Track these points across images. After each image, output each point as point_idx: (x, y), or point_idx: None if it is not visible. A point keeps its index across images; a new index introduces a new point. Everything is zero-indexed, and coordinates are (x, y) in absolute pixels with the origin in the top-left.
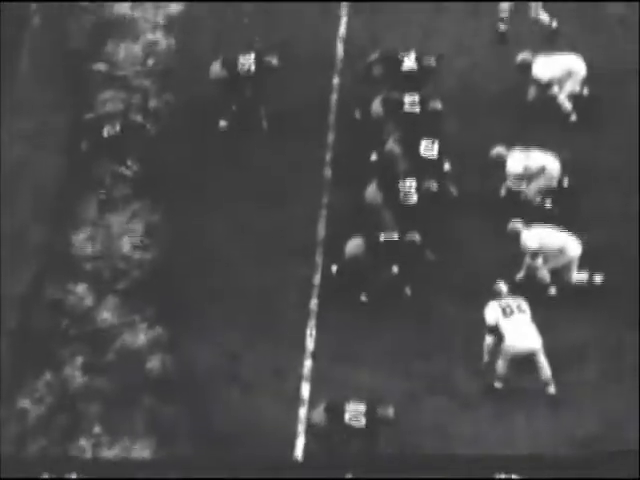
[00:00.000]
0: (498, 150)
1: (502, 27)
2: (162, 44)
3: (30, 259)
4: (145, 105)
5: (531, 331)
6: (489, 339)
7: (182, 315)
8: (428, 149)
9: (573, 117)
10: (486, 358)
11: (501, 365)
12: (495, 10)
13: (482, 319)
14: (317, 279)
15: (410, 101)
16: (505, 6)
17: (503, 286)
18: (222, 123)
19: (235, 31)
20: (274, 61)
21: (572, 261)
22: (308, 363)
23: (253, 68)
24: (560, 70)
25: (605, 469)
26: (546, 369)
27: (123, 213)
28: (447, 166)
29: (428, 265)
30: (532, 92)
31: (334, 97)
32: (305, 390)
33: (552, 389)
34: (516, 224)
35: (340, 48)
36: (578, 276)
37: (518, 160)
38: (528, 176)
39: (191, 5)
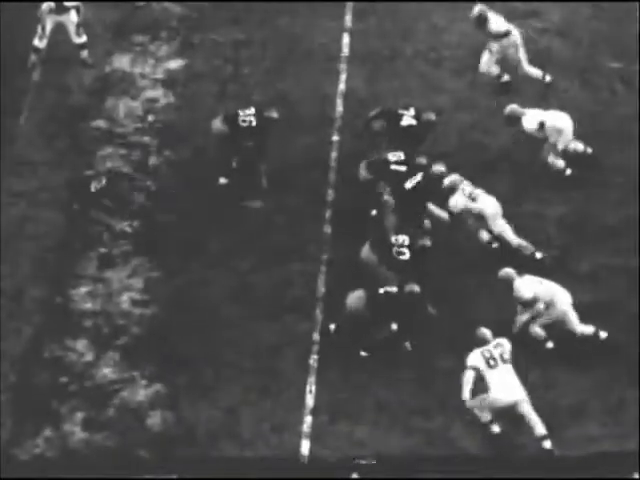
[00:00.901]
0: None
1: (505, 77)
2: (162, 100)
3: (29, 315)
4: (145, 162)
5: (514, 382)
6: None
7: (181, 372)
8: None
9: (568, 172)
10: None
11: (484, 415)
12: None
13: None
14: (316, 335)
15: (395, 159)
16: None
17: (486, 331)
18: (222, 180)
19: (235, 85)
20: (274, 115)
21: (565, 313)
22: (308, 419)
23: (254, 122)
24: (549, 126)
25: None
26: (535, 420)
27: (123, 269)
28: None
29: (428, 318)
30: (548, 157)
31: (334, 154)
32: (305, 447)
33: (548, 444)
34: (508, 271)
35: (340, 104)
36: (584, 328)
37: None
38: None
39: (191, 60)
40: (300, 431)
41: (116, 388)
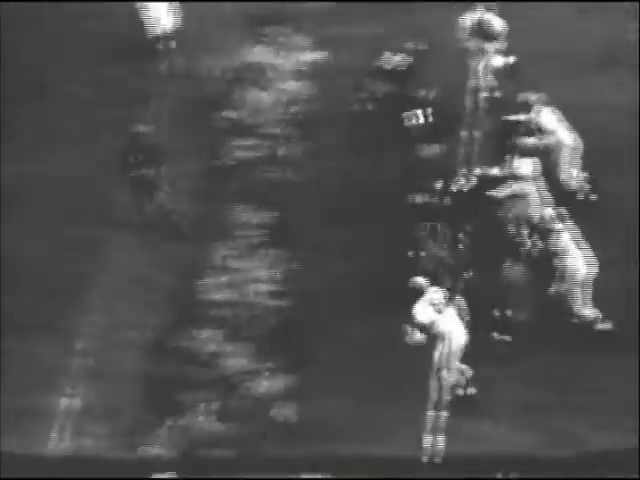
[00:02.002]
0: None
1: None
2: (294, 92)
3: (158, 305)
4: (274, 153)
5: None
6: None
7: (309, 365)
8: None
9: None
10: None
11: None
12: None
13: None
14: None
15: None
16: None
17: (421, 280)
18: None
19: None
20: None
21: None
22: (432, 416)
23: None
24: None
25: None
26: None
27: (255, 260)
28: None
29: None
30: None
31: None
32: (429, 444)
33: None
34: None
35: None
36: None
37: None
38: None
39: (324, 53)
40: (424, 427)
41: (242, 379)
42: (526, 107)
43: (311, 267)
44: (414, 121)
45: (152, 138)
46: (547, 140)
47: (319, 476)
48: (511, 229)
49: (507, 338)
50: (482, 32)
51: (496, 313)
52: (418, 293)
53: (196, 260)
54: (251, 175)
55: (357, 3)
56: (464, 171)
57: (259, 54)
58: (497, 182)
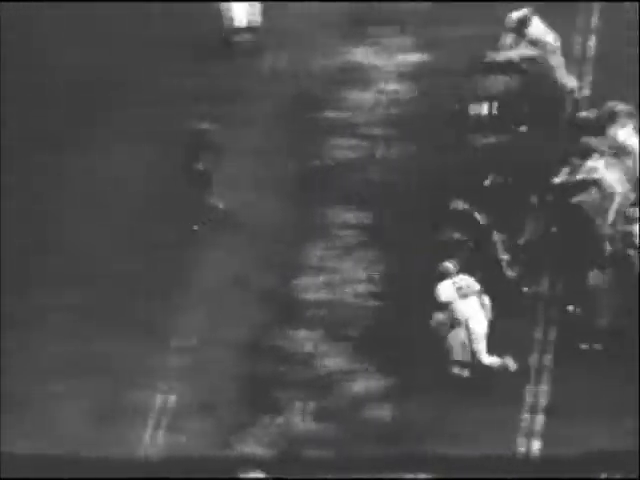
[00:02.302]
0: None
1: None
2: (395, 93)
3: (255, 305)
4: (374, 154)
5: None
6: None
7: (403, 367)
8: None
9: None
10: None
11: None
12: None
13: None
14: (538, 334)
15: None
16: None
17: (449, 265)
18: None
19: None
20: None
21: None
22: (527, 417)
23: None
24: None
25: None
26: None
27: (351, 260)
28: None
29: None
30: None
31: None
32: (522, 445)
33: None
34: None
35: None
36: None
37: None
38: None
39: (425, 55)
40: (518, 428)
41: (339, 379)
42: (612, 116)
43: (407, 267)
44: (477, 112)
45: (214, 136)
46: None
47: (421, 476)
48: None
49: (597, 346)
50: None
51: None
52: (445, 277)
53: (293, 260)
54: (350, 175)
55: (456, 3)
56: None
57: (361, 54)
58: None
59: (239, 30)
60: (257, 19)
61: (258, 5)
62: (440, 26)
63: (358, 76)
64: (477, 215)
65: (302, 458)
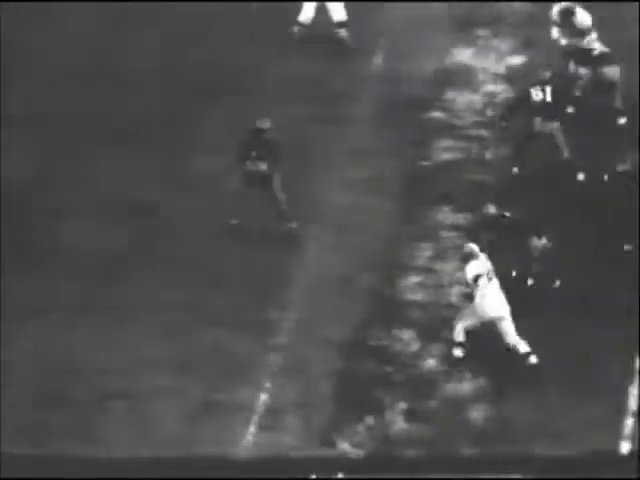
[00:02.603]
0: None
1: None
2: (501, 95)
3: (358, 303)
4: (482, 155)
5: (502, 298)
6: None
7: (505, 368)
8: None
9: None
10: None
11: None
12: None
13: None
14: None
15: None
16: None
17: (473, 246)
18: (580, 176)
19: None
20: None
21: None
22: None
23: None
24: None
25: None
26: (517, 339)
27: (453, 262)
28: None
29: None
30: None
31: None
32: (625, 448)
33: (534, 359)
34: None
35: None
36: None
37: None
38: None
39: (531, 57)
40: (620, 432)
41: (440, 380)
42: None
43: (511, 269)
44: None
45: (272, 134)
46: None
47: (516, 476)
48: None
49: None
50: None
51: None
52: (469, 258)
53: (397, 260)
54: (455, 176)
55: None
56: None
57: (467, 56)
58: None
59: (335, 25)
60: (343, 16)
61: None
62: (546, 28)
63: (464, 78)
64: None
65: (397, 458)
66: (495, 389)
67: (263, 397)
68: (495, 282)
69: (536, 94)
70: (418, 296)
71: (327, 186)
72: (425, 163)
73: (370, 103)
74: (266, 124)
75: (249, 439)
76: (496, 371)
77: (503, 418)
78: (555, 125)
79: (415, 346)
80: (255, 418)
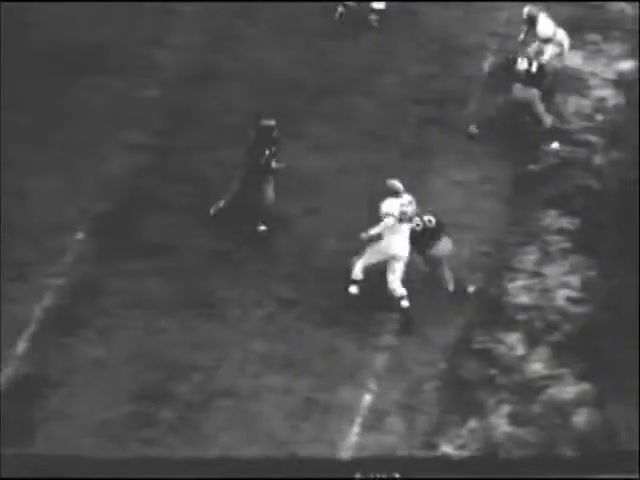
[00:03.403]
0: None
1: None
2: (611, 100)
3: (463, 306)
4: (590, 161)
5: (406, 241)
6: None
7: (609, 372)
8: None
9: None
10: None
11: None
12: None
13: None
14: None
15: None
16: None
17: (397, 183)
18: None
19: None
20: None
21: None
22: None
23: None
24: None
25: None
26: (399, 282)
27: (561, 266)
28: None
29: None
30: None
31: None
32: None
33: (405, 303)
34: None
35: None
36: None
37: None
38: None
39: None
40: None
41: (545, 384)
42: None
43: (612, 274)
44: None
45: (275, 131)
46: None
47: (620, 476)
48: None
49: None
50: None
51: None
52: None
53: (505, 263)
54: (563, 181)
55: None
56: None
57: (577, 60)
58: None
59: (370, 11)
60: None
61: None
62: None
63: (574, 82)
64: None
65: (500, 460)
66: (598, 393)
67: (367, 398)
68: (407, 226)
69: (521, 63)
70: (524, 299)
71: (436, 187)
72: (533, 167)
73: (477, 106)
74: (270, 121)
75: (352, 439)
76: (600, 378)
77: (608, 423)
78: (534, 91)
79: (520, 349)
80: (359, 419)
